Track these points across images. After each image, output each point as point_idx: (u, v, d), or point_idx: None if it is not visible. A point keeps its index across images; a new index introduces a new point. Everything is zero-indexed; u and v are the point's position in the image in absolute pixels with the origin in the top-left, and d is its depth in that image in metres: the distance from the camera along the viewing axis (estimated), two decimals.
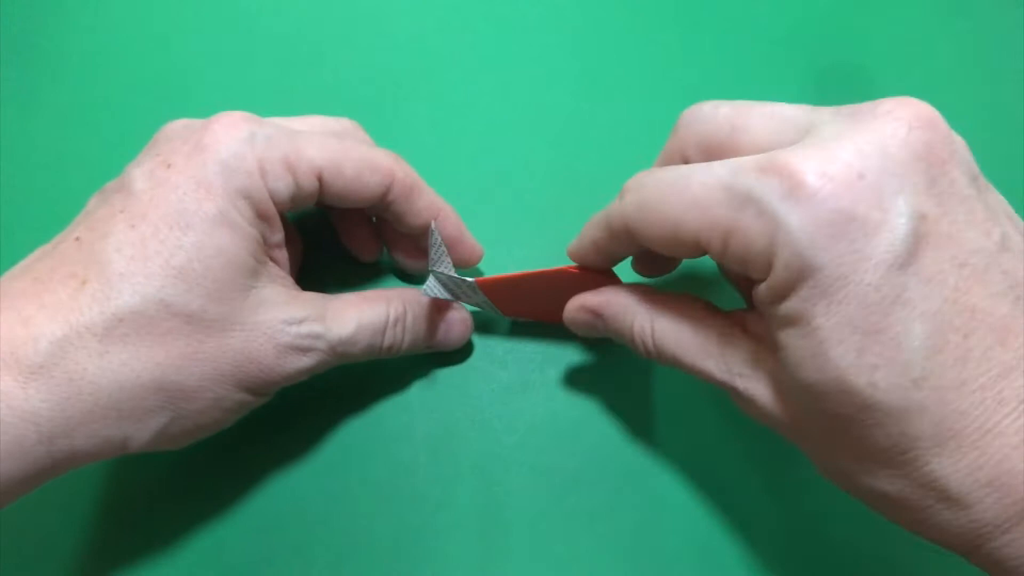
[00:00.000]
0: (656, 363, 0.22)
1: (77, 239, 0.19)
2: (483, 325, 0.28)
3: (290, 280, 0.22)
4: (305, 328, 0.21)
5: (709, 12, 0.36)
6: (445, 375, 0.27)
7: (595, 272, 0.23)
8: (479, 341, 0.27)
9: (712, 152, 0.19)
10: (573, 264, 0.23)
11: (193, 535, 0.23)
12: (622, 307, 0.21)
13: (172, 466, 0.25)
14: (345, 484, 0.24)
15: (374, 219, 0.27)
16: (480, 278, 0.23)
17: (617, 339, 0.22)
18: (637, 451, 0.25)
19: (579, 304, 0.23)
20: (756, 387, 0.18)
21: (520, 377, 0.27)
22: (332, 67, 0.33)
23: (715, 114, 0.19)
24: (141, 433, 0.19)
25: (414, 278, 0.28)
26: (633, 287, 0.22)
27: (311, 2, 0.35)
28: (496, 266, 0.28)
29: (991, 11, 0.36)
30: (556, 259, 0.29)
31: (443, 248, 0.23)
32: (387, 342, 0.23)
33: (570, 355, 0.27)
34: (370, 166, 0.22)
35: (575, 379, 0.27)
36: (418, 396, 0.26)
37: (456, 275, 0.23)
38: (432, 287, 0.23)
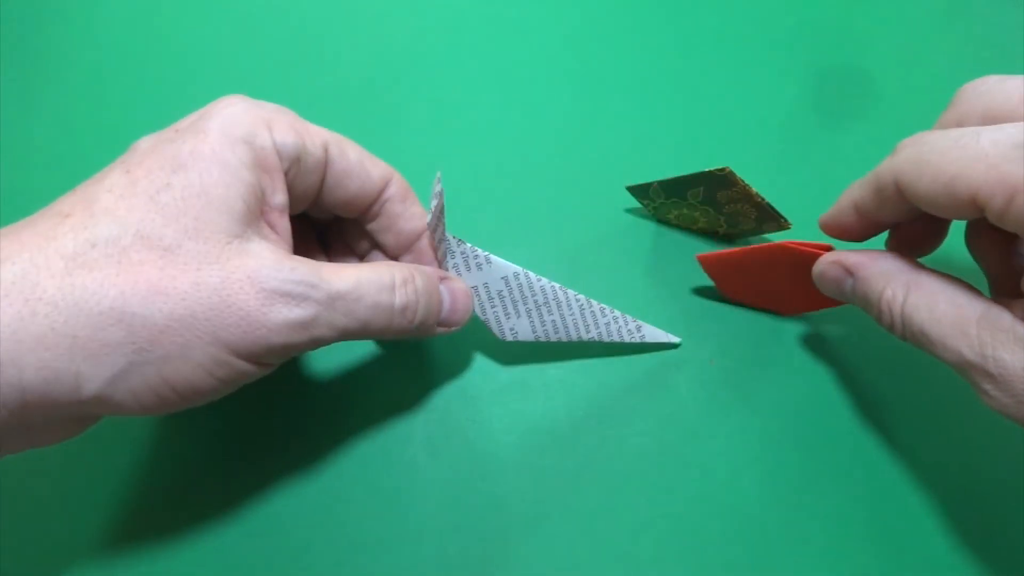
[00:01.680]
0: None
1: (75, 188, 0.19)
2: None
3: (285, 245, 0.21)
4: (297, 275, 0.19)
5: (709, 13, 0.36)
6: (445, 375, 0.27)
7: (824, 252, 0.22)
8: (479, 342, 0.27)
9: (999, 122, 0.18)
10: (803, 241, 0.23)
11: (192, 534, 0.23)
12: (879, 271, 0.21)
13: (172, 464, 0.25)
14: (345, 484, 0.24)
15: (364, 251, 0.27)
16: (701, 254, 0.23)
17: (861, 305, 0.22)
18: (637, 452, 0.25)
19: (834, 259, 0.22)
20: (1017, 371, 0.17)
21: (520, 377, 0.27)
22: (332, 68, 0.33)
23: (1003, 86, 0.19)
24: (96, 370, 0.17)
25: None
26: (893, 255, 0.21)
27: (312, 4, 0.35)
28: None
29: (991, 11, 0.36)
30: (556, 258, 0.29)
31: (443, 218, 0.23)
32: (399, 301, 0.21)
33: (569, 356, 0.27)
34: (371, 158, 0.23)
35: (574, 379, 0.27)
36: (418, 396, 0.26)
37: (455, 240, 0.23)
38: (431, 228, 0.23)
